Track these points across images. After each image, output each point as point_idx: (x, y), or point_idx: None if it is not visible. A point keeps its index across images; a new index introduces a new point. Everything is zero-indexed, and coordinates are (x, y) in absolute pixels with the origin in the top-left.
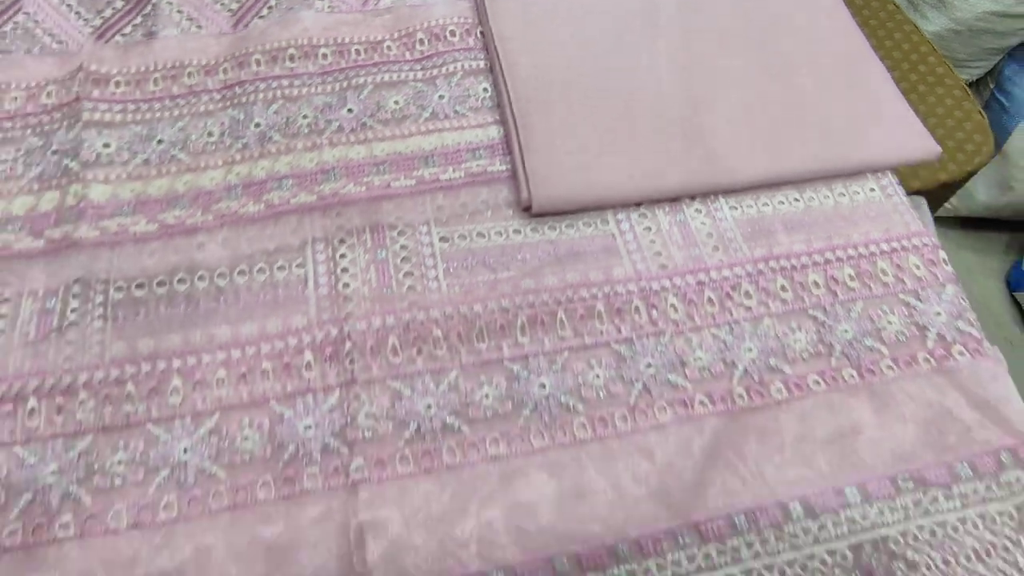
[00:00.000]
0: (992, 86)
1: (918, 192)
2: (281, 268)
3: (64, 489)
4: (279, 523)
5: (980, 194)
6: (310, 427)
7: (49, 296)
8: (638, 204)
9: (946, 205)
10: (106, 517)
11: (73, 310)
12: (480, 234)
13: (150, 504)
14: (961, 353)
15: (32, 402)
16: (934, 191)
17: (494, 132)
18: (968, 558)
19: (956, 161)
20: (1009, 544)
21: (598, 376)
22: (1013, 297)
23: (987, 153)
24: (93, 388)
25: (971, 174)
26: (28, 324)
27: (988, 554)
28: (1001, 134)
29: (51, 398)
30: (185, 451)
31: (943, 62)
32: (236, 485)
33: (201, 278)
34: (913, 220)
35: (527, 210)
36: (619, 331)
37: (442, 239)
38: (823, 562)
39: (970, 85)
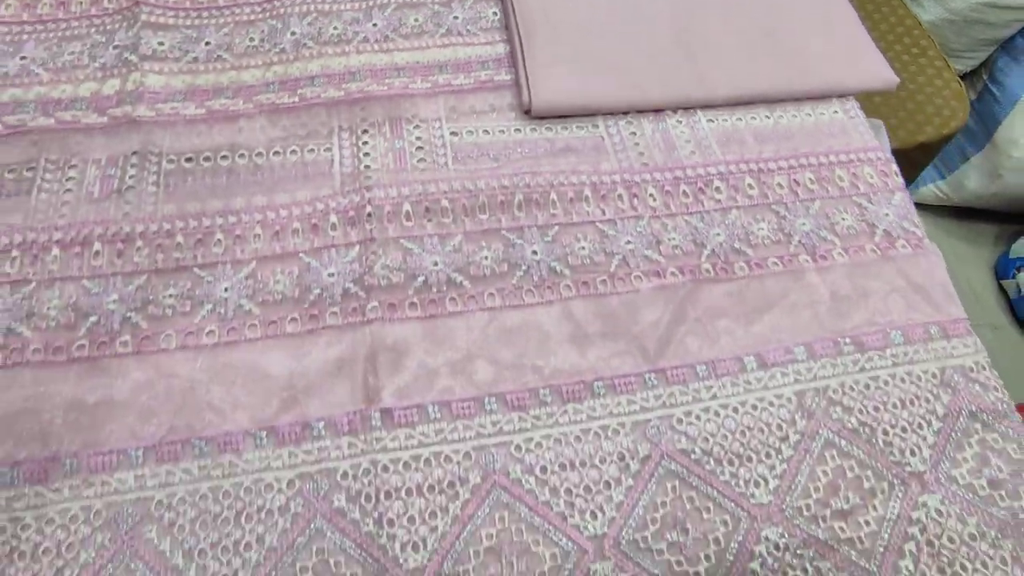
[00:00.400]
0: (985, 77)
1: (896, 152)
2: (311, 151)
3: (123, 315)
4: (304, 349)
5: (970, 183)
6: (333, 275)
7: (110, 164)
8: (625, 113)
9: (938, 194)
10: (158, 339)
11: (131, 176)
12: (485, 131)
13: (195, 331)
14: (904, 246)
15: (97, 246)
16: (912, 152)
17: (501, 49)
18: (894, 406)
19: (933, 125)
20: (930, 396)
21: (583, 248)
22: (1000, 285)
23: (962, 119)
24: (148, 238)
25: (947, 138)
26: (92, 185)
27: (912, 403)
28: (992, 124)
29: (112, 244)
30: (226, 290)
31: (927, 35)
32: (268, 319)
33: (241, 156)
34: (871, 138)
35: (527, 112)
36: (603, 213)
37: (452, 133)
38: (770, 403)
39: (964, 76)
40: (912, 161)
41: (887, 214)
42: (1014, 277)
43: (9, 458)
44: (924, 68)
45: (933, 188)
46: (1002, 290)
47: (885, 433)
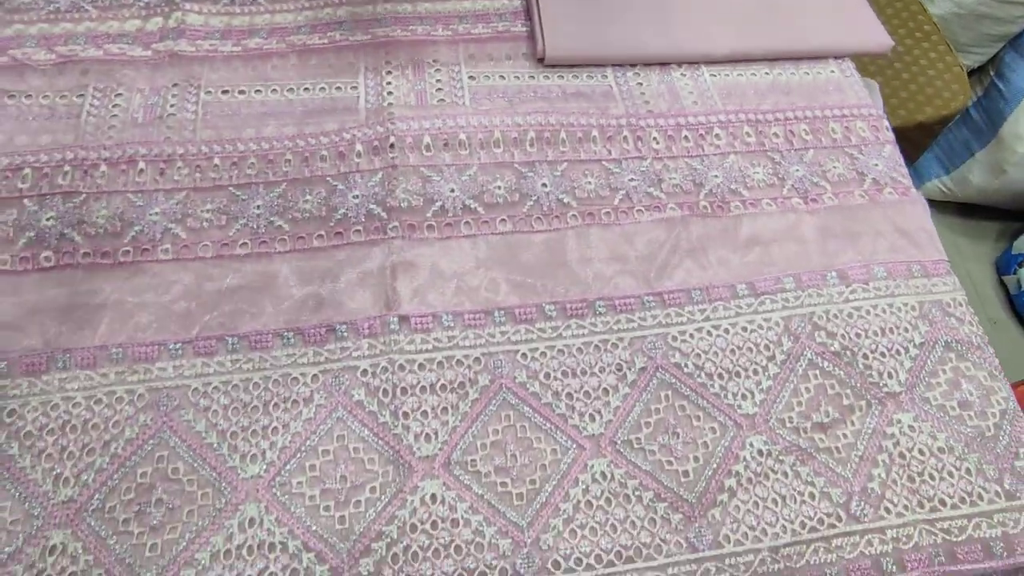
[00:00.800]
0: (992, 73)
1: (896, 130)
2: (338, 88)
3: (164, 226)
4: (330, 261)
5: (975, 178)
6: (357, 197)
7: (153, 93)
8: (633, 65)
9: (942, 189)
10: (196, 248)
11: (172, 105)
12: (501, 76)
13: (230, 243)
14: (891, 194)
15: (141, 165)
16: (912, 132)
17: (517, 2)
18: (875, 333)
19: (933, 105)
20: (908, 326)
21: (590, 183)
22: (1001, 281)
23: (963, 101)
24: (187, 159)
25: (947, 119)
26: (137, 111)
27: (891, 332)
28: (998, 120)
29: (155, 163)
30: (258, 207)
31: (931, 20)
32: (296, 234)
33: (273, 91)
34: (864, 96)
35: (541, 61)
36: (609, 153)
37: (470, 77)
38: (759, 326)
39: (972, 72)
40: (912, 141)
41: (876, 164)
42: (1015, 273)
43: (61, 345)
44: (927, 52)
45: (937, 183)
46: (1003, 285)
47: (865, 357)
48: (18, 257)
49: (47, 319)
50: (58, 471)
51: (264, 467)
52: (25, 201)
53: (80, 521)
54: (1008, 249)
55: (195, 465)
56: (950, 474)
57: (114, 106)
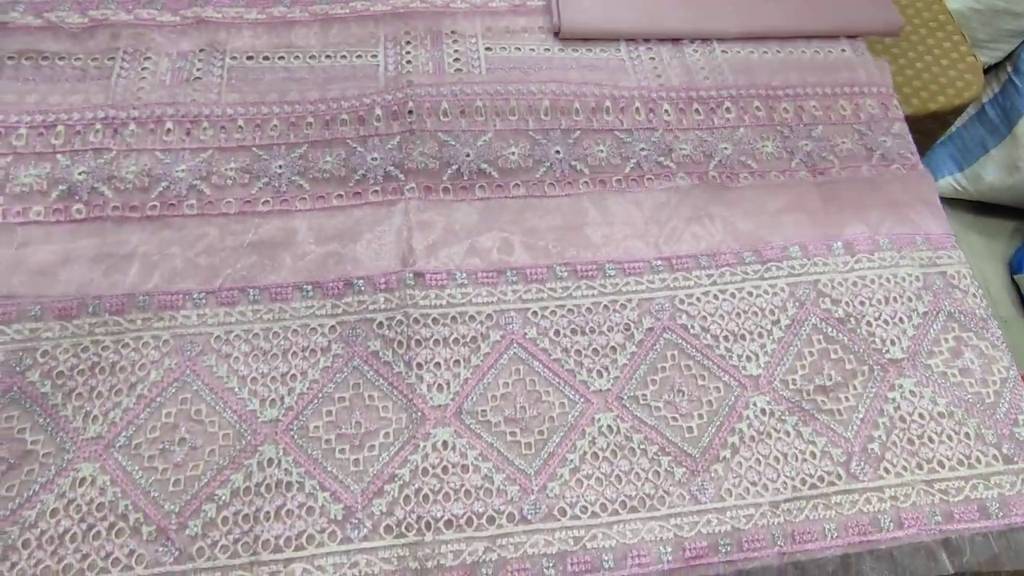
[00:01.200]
0: (1009, 70)
1: (908, 119)
2: (359, 56)
3: (190, 183)
4: (348, 219)
5: (988, 175)
6: (376, 159)
7: (180, 57)
8: (646, 40)
9: (955, 187)
10: (220, 204)
11: (198, 69)
12: (517, 48)
13: (252, 200)
14: (899, 169)
15: (168, 124)
16: (924, 121)
17: None
18: (879, 302)
19: (946, 95)
20: (912, 296)
21: (602, 151)
22: (1014, 280)
23: (976, 91)
24: (212, 120)
25: (959, 108)
26: (165, 74)
27: (895, 300)
28: (1015, 117)
29: (182, 123)
30: (280, 167)
31: (946, 10)
32: (317, 193)
33: (296, 57)
34: (875, 74)
35: (556, 34)
36: (621, 123)
37: (487, 48)
38: (765, 292)
39: (989, 68)
40: (924, 130)
41: (885, 140)
42: None
43: (92, 292)
44: (941, 41)
45: (951, 180)
46: (1015, 284)
47: (868, 324)
48: (51, 208)
49: (78, 267)
50: (87, 409)
51: (283, 411)
52: (58, 156)
53: (108, 456)
54: (1021, 248)
55: (217, 407)
56: (949, 438)
57: (143, 69)
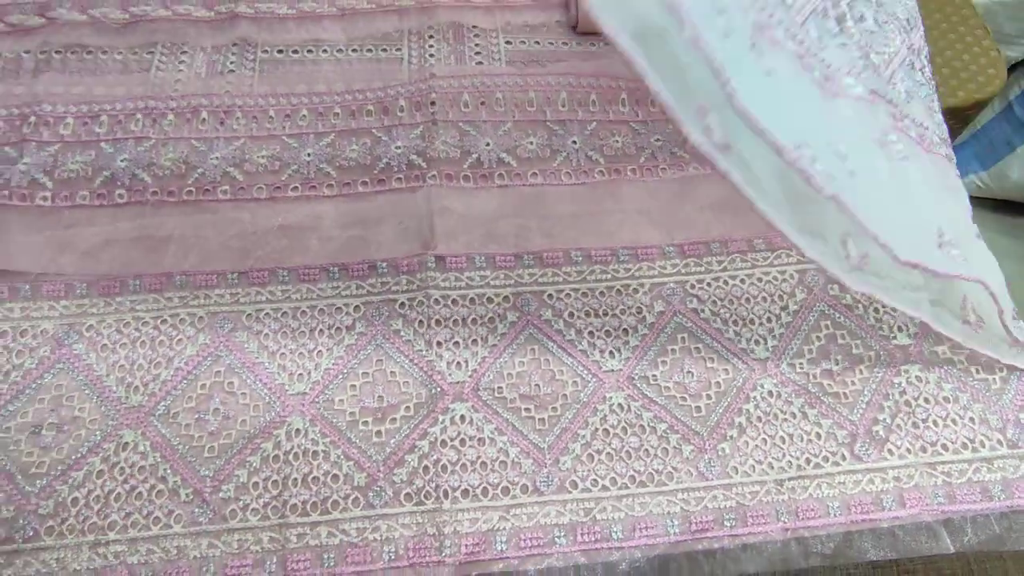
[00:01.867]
0: None
1: None
2: (384, 50)
3: (223, 170)
4: (373, 204)
5: (1014, 173)
6: (400, 148)
7: (215, 51)
8: None
9: (979, 185)
10: (252, 190)
11: (231, 62)
12: (536, 41)
13: (282, 186)
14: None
15: (203, 114)
16: (944, 116)
17: None
18: None
19: (966, 89)
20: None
21: (617, 141)
22: None
23: (998, 85)
24: (245, 110)
25: (981, 103)
26: (200, 67)
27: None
28: None
29: (215, 113)
30: (308, 155)
31: (969, 4)
32: (343, 180)
33: (324, 51)
34: None
35: (574, 28)
36: (637, 115)
37: (507, 42)
38: (774, 278)
39: (1016, 65)
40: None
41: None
42: None
43: (132, 271)
44: (963, 36)
45: (975, 178)
46: None
47: (876, 312)
48: (95, 193)
49: (120, 248)
50: (129, 380)
51: (309, 385)
52: (102, 144)
53: (148, 424)
54: None
55: (248, 381)
56: (954, 422)
57: (180, 62)
